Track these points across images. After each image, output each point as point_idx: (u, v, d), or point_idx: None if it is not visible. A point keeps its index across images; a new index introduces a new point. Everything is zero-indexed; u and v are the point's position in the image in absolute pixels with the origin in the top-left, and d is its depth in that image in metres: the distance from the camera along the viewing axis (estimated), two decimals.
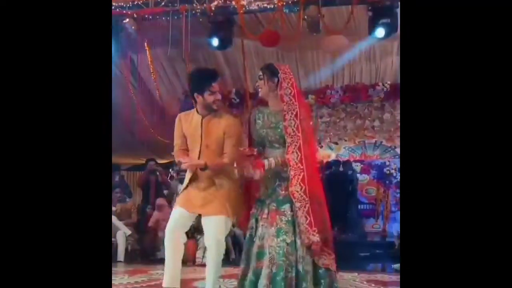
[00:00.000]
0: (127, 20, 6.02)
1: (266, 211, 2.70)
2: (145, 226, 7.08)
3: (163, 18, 6.08)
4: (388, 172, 9.24)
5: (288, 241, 2.57)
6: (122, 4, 6.10)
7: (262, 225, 2.68)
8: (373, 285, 4.48)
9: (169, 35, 6.06)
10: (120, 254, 6.51)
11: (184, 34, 5.90)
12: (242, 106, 8.57)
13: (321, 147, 9.36)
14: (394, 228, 8.11)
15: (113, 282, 4.15)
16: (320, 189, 2.74)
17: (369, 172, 9.57)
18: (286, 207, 2.64)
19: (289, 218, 2.62)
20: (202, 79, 2.97)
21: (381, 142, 9.31)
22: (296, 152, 2.62)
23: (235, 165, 3.00)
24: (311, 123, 2.89)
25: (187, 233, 3.23)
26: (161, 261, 3.11)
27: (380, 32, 5.74)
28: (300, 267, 2.55)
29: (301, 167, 2.60)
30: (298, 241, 2.59)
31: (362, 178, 9.33)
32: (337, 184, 7.87)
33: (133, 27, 6.05)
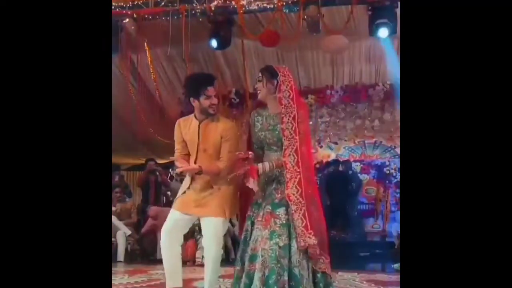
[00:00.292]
0: (127, 20, 6.02)
1: (261, 213, 2.68)
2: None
3: (163, 18, 6.07)
4: (388, 172, 9.26)
5: (281, 244, 2.53)
6: (122, 4, 6.10)
7: (256, 227, 2.66)
8: (373, 285, 4.48)
9: (169, 35, 6.06)
10: (120, 254, 6.51)
11: (184, 34, 5.90)
12: (242, 106, 8.55)
13: (321, 147, 9.36)
14: (394, 228, 8.12)
15: (113, 282, 4.16)
16: (316, 192, 2.74)
17: (369, 172, 9.58)
18: (281, 210, 2.63)
19: (284, 222, 2.60)
20: (197, 83, 2.96)
21: (381, 142, 9.32)
22: (293, 155, 2.61)
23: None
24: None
25: (187, 233, 3.23)
26: (161, 261, 3.12)
27: (380, 32, 5.74)
28: (296, 271, 2.52)
29: (298, 170, 2.59)
30: (294, 246, 2.56)
31: (362, 178, 9.33)
32: (336, 184, 7.90)
33: (133, 27, 6.05)
